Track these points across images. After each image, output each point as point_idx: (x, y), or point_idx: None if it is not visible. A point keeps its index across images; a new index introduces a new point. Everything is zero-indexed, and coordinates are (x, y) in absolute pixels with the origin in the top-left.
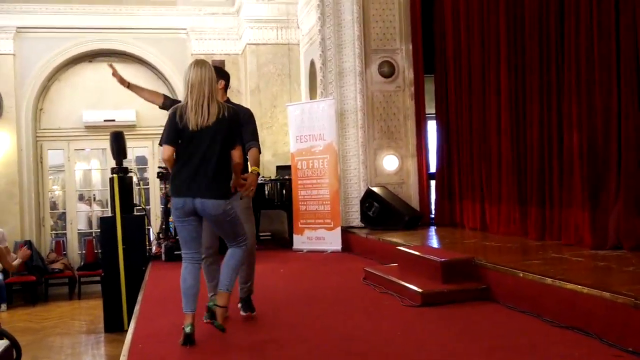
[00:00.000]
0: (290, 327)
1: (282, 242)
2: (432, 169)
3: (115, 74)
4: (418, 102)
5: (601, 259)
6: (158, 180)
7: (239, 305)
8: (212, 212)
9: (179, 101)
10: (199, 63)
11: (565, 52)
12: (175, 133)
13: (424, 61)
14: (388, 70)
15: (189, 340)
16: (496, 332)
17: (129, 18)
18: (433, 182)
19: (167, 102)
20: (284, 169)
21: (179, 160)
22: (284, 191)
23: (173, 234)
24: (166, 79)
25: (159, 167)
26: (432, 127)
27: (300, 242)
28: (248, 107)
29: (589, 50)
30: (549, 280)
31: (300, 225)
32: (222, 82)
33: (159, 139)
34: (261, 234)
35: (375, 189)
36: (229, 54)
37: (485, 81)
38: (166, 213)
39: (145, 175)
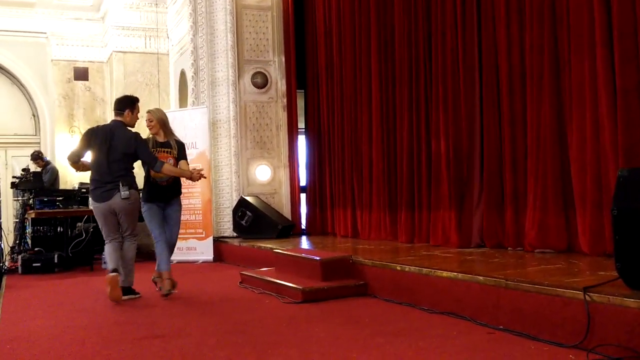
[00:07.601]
0: (172, 325)
1: (150, 254)
2: (303, 181)
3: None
4: (290, 114)
5: (468, 255)
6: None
7: None
8: None
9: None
10: None
11: (433, 66)
12: None
13: (297, 74)
14: (261, 81)
15: None
16: (377, 320)
17: None
18: (304, 195)
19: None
20: None
21: None
22: None
23: (30, 245)
24: (22, 85)
25: (14, 177)
26: (303, 139)
27: None
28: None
29: (455, 65)
30: (425, 271)
31: None
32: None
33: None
34: None
35: (249, 198)
36: (93, 61)
37: (357, 94)
38: (22, 223)
39: None
